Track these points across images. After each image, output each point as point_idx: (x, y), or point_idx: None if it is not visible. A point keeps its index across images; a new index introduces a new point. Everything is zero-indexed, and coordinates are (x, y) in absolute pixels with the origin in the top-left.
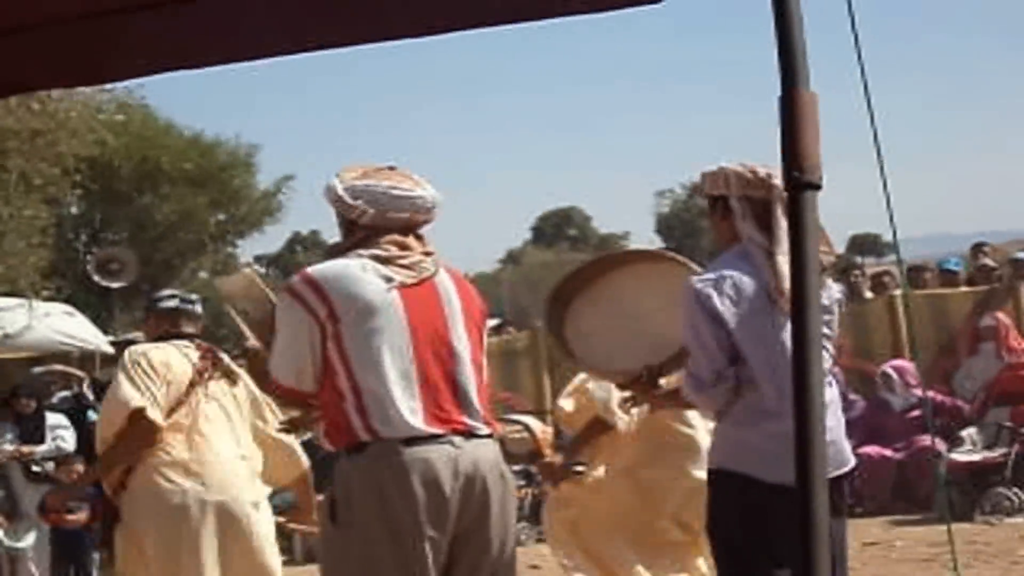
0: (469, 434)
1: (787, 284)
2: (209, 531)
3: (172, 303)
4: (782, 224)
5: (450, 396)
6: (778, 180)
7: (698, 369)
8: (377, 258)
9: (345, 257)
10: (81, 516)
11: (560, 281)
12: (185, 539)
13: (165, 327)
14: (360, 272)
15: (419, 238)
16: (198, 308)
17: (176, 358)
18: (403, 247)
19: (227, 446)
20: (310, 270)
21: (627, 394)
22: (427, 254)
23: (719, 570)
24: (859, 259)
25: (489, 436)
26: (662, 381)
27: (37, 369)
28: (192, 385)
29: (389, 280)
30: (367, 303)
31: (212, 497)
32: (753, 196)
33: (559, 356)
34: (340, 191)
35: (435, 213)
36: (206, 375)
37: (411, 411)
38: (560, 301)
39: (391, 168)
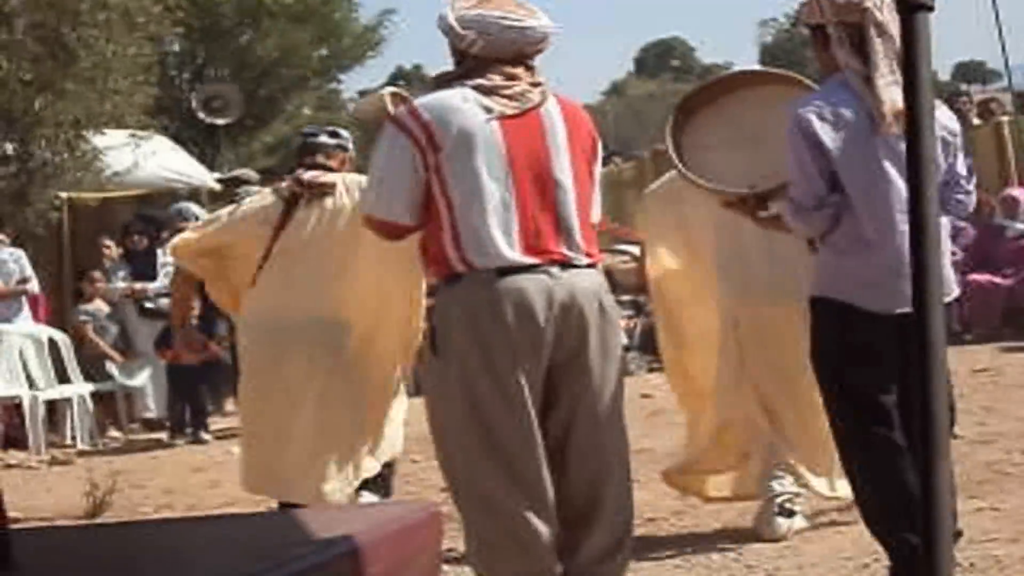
0: (566, 264)
1: (887, 108)
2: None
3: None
4: (877, 48)
5: (549, 226)
6: (870, 3)
7: (799, 194)
8: (480, 88)
9: (449, 88)
10: (196, 353)
11: (691, 92)
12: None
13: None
14: (460, 102)
15: (529, 68)
16: (321, 139)
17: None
18: (510, 77)
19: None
20: (415, 101)
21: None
22: (535, 84)
23: (824, 398)
24: (964, 86)
25: (590, 266)
26: (771, 207)
27: (181, 204)
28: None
29: (489, 111)
30: (466, 133)
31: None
32: (848, 21)
33: (671, 165)
34: (451, 20)
35: (547, 43)
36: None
37: (507, 242)
38: (686, 111)
39: None
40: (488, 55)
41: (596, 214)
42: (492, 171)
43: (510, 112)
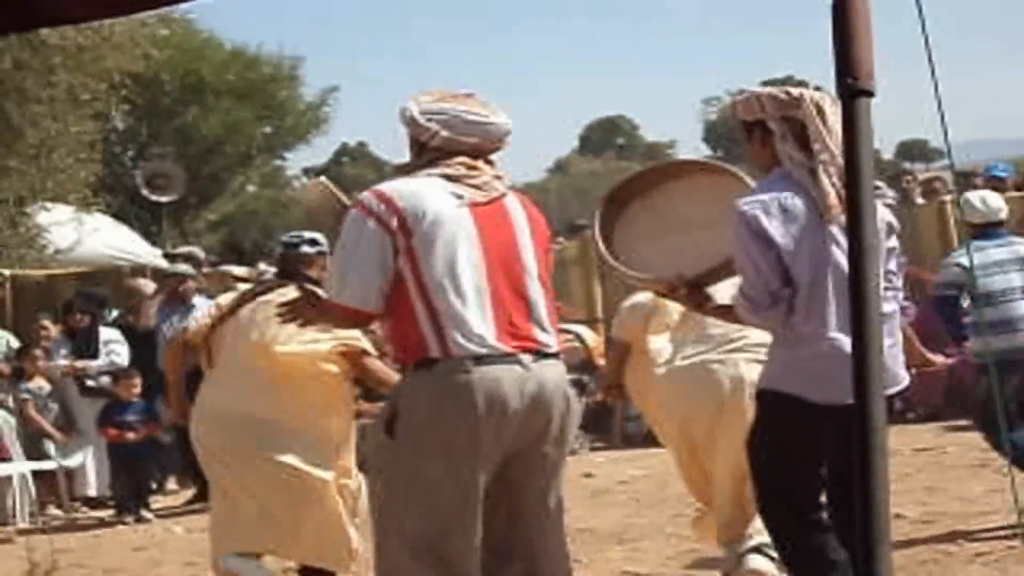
0: (538, 353)
1: (832, 199)
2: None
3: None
4: (824, 140)
5: (522, 312)
6: (808, 96)
7: (753, 291)
8: (447, 176)
9: (413, 176)
10: (140, 432)
11: (618, 184)
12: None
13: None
14: (430, 189)
15: (489, 163)
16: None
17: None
18: (472, 168)
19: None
20: (380, 186)
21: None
22: (497, 177)
23: (755, 486)
24: (907, 165)
25: (557, 355)
26: (713, 293)
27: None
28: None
29: (460, 197)
30: (438, 218)
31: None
32: (791, 116)
33: (600, 258)
34: (415, 113)
35: (506, 142)
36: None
37: (484, 328)
38: (616, 203)
39: (468, 95)
40: (448, 148)
41: None
42: (466, 256)
43: (480, 199)
